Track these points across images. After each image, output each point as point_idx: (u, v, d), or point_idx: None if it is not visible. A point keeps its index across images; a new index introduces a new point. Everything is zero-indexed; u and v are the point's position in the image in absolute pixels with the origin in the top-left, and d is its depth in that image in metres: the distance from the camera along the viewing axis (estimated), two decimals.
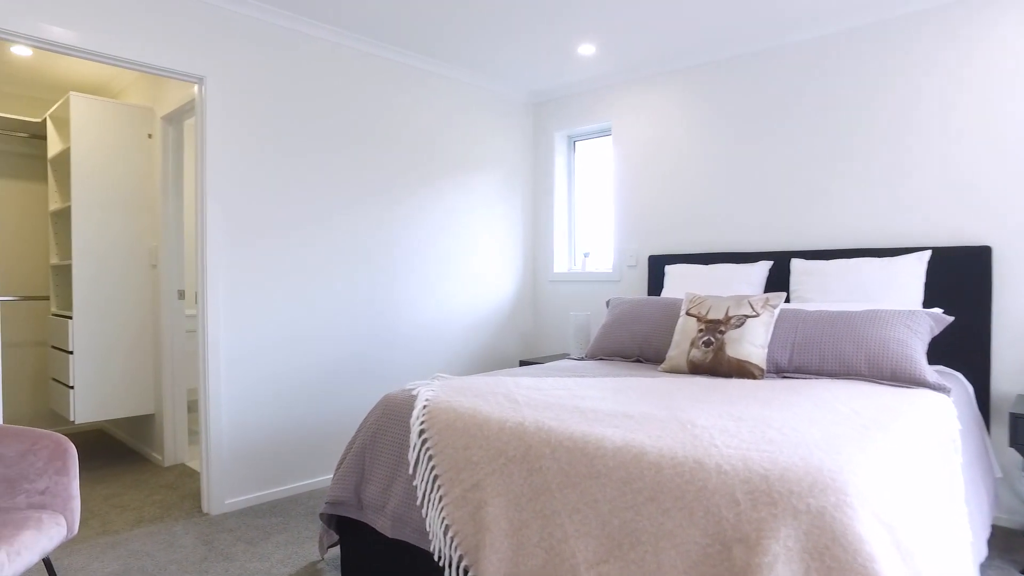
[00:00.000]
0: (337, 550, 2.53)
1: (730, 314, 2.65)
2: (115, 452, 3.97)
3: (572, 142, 4.46)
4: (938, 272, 2.82)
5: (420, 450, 1.99)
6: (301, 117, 3.21)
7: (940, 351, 2.81)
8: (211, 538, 2.64)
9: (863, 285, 2.86)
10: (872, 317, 2.48)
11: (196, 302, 2.99)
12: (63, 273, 4.06)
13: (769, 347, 2.60)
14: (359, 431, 2.25)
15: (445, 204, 3.90)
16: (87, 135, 3.54)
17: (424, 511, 1.91)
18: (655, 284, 3.77)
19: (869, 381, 2.34)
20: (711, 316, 2.70)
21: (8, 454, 1.82)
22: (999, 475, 2.60)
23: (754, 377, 2.48)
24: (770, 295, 2.67)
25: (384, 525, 2.03)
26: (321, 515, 2.28)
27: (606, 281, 4.12)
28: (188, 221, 4.41)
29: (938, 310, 2.51)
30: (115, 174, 3.65)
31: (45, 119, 3.98)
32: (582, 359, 3.28)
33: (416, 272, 3.75)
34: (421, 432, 2.01)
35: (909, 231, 2.97)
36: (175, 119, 3.65)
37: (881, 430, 1.62)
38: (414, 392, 2.20)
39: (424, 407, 2.08)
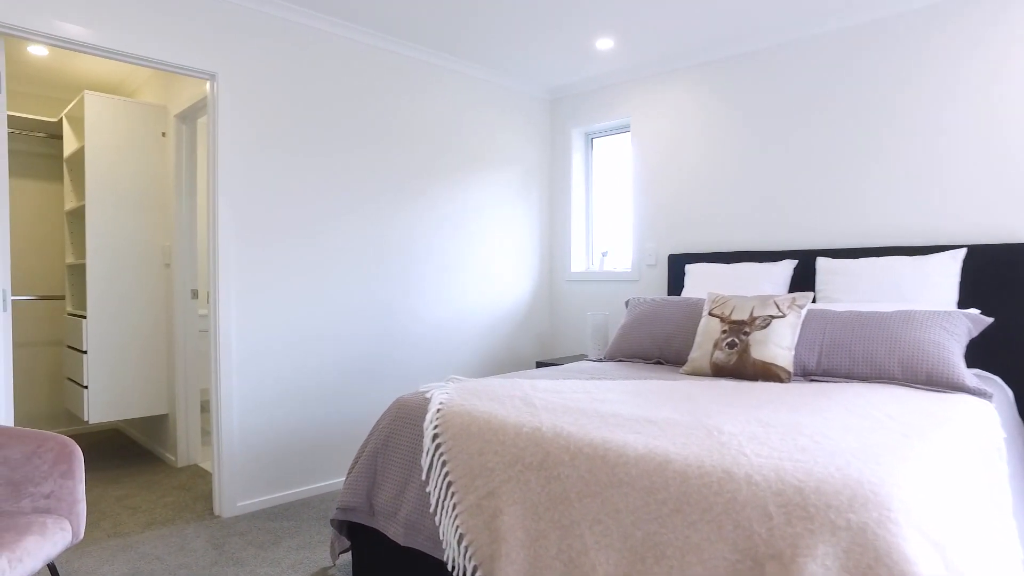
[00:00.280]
0: (349, 556, 2.48)
1: (755, 314, 2.56)
2: (130, 452, 3.96)
3: (589, 139, 4.37)
4: (973, 271, 2.70)
5: (433, 455, 1.92)
6: (313, 114, 3.15)
7: (976, 354, 2.69)
8: (222, 542, 2.60)
9: (893, 284, 2.74)
10: (906, 318, 2.36)
11: (208, 302, 2.95)
12: (78, 272, 4.05)
13: (796, 349, 2.49)
14: (371, 435, 2.19)
15: (460, 202, 3.83)
16: (101, 133, 3.53)
17: (437, 519, 1.84)
18: (675, 284, 3.67)
19: (903, 385, 2.24)
20: (735, 317, 2.60)
21: (13, 456, 1.78)
22: None
23: (780, 380, 2.38)
24: (796, 295, 2.56)
25: (396, 532, 1.96)
26: (332, 521, 2.22)
27: (625, 281, 4.03)
28: (201, 220, 4.39)
29: (975, 311, 2.40)
30: (129, 173, 3.63)
31: (61, 119, 3.97)
32: (600, 360, 3.19)
33: (430, 271, 3.68)
34: (435, 437, 1.95)
35: (942, 228, 2.85)
36: (188, 117, 3.62)
37: (921, 438, 1.52)
38: (427, 395, 2.13)
39: (438, 411, 2.01)
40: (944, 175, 2.84)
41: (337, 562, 2.41)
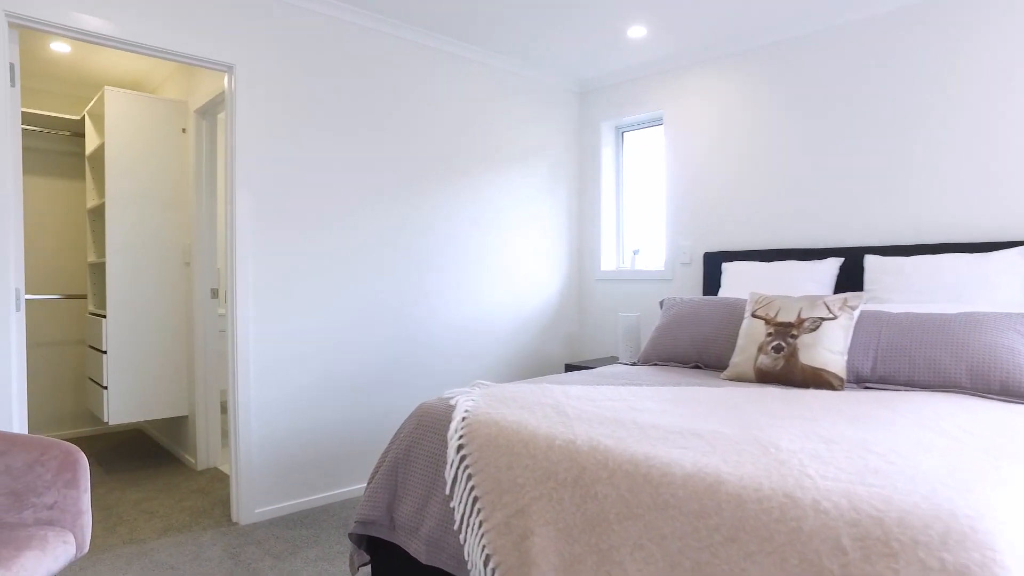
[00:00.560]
0: (369, 569, 2.35)
1: (803, 316, 2.37)
2: (151, 453, 3.90)
3: (620, 133, 4.20)
4: None
5: (458, 468, 1.78)
6: (332, 107, 3.04)
7: None
8: (238, 551, 2.49)
9: (950, 284, 2.53)
10: (972, 321, 2.16)
11: (225, 301, 2.87)
12: (99, 271, 4.01)
13: (848, 353, 2.31)
14: (392, 443, 2.06)
15: (484, 198, 3.69)
16: (121, 130, 3.46)
17: (462, 536, 1.70)
18: (711, 283, 3.48)
19: (972, 395, 2.04)
20: (781, 318, 2.42)
21: (15, 465, 1.69)
22: None
23: (833, 388, 2.20)
24: (848, 295, 2.37)
25: (418, 549, 1.83)
26: (351, 535, 2.10)
27: (657, 280, 3.85)
28: (221, 218, 4.32)
29: None
30: (149, 169, 3.57)
31: (84, 116, 3.93)
32: (634, 364, 3.03)
33: (454, 270, 3.55)
34: (459, 448, 1.81)
35: (1006, 223, 2.63)
36: (208, 112, 3.54)
37: (1014, 459, 1.34)
38: (452, 401, 2.00)
39: (463, 419, 1.87)
40: (1005, 165, 2.62)
41: None
